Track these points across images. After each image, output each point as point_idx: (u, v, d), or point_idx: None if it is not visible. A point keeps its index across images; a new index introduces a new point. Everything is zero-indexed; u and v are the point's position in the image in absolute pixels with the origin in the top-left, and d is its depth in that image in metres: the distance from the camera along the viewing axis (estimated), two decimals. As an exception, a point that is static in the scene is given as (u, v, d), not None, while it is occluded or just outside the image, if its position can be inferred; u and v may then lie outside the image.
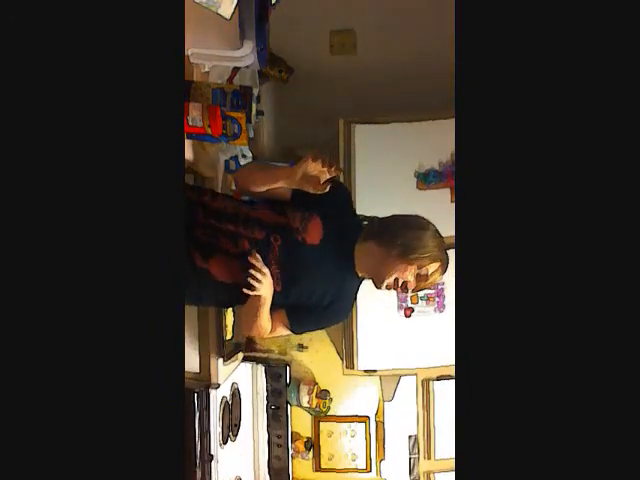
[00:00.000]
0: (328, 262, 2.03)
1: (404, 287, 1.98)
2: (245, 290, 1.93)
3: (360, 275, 2.07)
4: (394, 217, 2.07)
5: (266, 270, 1.93)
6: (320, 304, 2.05)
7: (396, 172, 3.32)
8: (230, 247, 1.98)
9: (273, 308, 2.04)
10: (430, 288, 3.24)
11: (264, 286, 1.93)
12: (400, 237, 1.96)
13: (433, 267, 1.97)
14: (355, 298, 2.15)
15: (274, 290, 2.00)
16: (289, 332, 2.13)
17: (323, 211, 2.03)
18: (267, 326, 2.06)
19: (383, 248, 1.97)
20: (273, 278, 1.98)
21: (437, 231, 2.01)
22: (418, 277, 1.98)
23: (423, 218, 2.04)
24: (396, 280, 1.97)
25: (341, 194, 2.13)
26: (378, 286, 2.01)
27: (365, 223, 2.11)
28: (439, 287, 3.30)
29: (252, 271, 1.91)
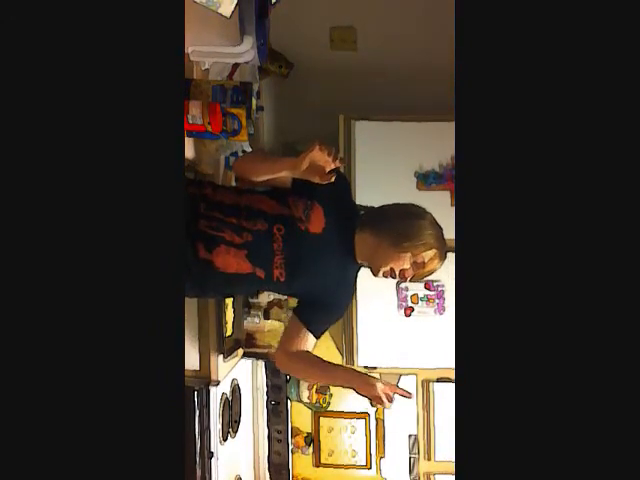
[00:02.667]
0: (330, 251, 2.03)
1: (402, 275, 1.99)
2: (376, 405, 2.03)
3: (359, 263, 2.08)
4: (390, 206, 2.09)
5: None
6: (325, 294, 2.07)
7: (396, 170, 3.33)
8: (234, 238, 1.98)
9: (291, 327, 2.12)
10: (430, 289, 3.31)
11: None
12: (395, 226, 1.98)
13: (429, 255, 1.98)
14: (355, 286, 2.17)
15: (278, 281, 2.01)
16: (311, 337, 2.12)
17: (324, 199, 2.04)
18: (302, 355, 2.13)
19: (378, 237, 1.99)
20: (278, 268, 2.00)
21: (434, 220, 2.03)
22: (415, 265, 1.99)
23: (420, 207, 2.06)
24: (392, 269, 1.98)
25: (341, 183, 2.13)
26: (375, 274, 2.03)
27: (362, 213, 2.12)
28: (439, 289, 3.31)
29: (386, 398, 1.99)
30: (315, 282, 2.04)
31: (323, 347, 3.64)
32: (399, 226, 1.98)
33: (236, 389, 3.24)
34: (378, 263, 1.99)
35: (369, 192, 3.17)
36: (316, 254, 2.01)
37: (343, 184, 2.16)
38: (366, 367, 3.44)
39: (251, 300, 3.33)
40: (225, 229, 1.98)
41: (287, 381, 3.65)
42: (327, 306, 2.11)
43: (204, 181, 2.30)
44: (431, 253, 1.98)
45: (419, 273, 2.02)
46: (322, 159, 1.90)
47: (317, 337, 2.13)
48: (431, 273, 2.04)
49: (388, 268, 1.98)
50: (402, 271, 1.98)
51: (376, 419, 3.71)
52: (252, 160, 2.25)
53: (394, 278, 2.00)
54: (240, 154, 2.53)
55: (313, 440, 3.78)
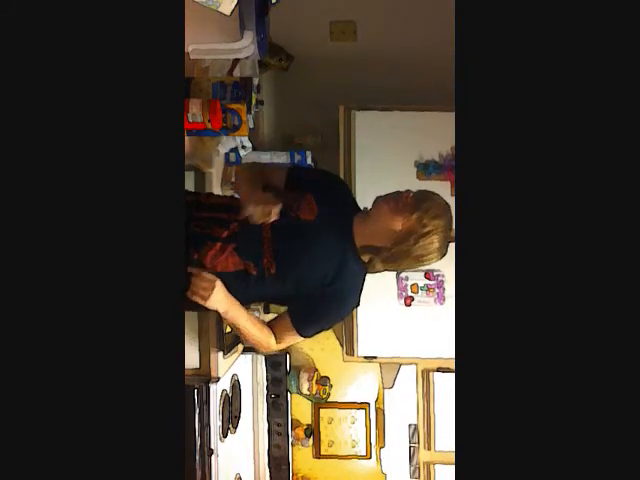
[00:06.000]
0: (325, 237, 1.93)
1: (405, 227, 1.86)
2: (191, 296, 1.82)
3: (360, 251, 1.94)
4: None
5: (212, 277, 1.84)
6: (321, 287, 1.91)
7: (396, 160, 3.32)
8: (221, 233, 1.91)
9: (277, 318, 2.01)
10: (430, 279, 3.31)
11: (217, 296, 1.84)
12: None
13: (432, 208, 1.87)
14: (361, 288, 2.01)
15: (269, 273, 1.90)
16: (298, 337, 1.99)
17: (318, 193, 1.98)
18: (267, 338, 1.99)
19: (378, 209, 1.91)
20: (267, 258, 1.90)
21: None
22: (419, 220, 1.85)
23: None
24: (394, 195, 1.90)
25: (339, 187, 2.11)
26: (378, 216, 1.90)
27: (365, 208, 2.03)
28: (439, 278, 3.32)
29: (196, 282, 1.82)
30: (309, 274, 1.92)
31: (323, 337, 3.67)
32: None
33: (236, 385, 3.23)
34: (378, 208, 1.91)
35: (369, 182, 3.21)
36: (308, 240, 1.92)
37: (342, 188, 2.12)
38: (366, 357, 3.45)
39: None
40: (213, 225, 1.93)
41: (287, 374, 3.66)
42: (326, 308, 1.97)
43: (199, 192, 2.28)
44: (434, 208, 1.87)
45: (422, 233, 1.86)
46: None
47: (303, 335, 2.01)
48: (434, 233, 1.87)
49: (390, 197, 1.89)
50: (400, 194, 1.89)
51: (376, 409, 3.73)
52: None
53: (395, 206, 1.87)
54: (240, 149, 2.54)
55: (313, 432, 3.78)
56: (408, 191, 1.91)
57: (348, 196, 2.12)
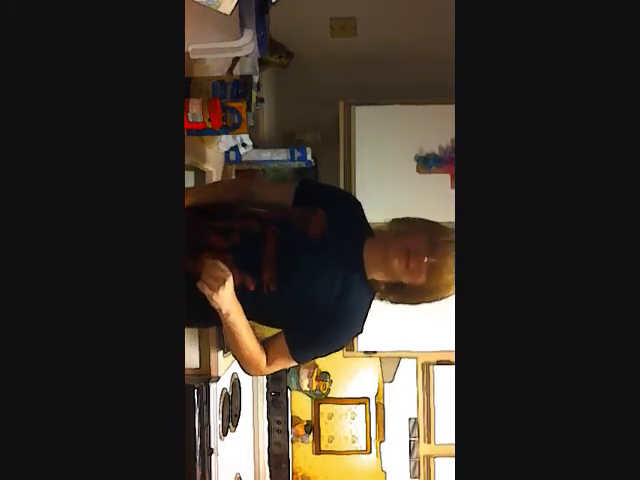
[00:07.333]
0: (333, 254, 1.84)
1: (415, 255, 1.75)
2: (201, 285, 1.69)
3: (368, 274, 1.86)
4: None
5: (226, 269, 1.71)
6: (324, 306, 1.81)
7: (396, 155, 3.32)
8: (219, 242, 1.83)
9: (270, 339, 1.89)
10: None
11: (226, 292, 1.71)
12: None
13: (446, 234, 1.77)
14: (366, 314, 1.92)
15: (268, 290, 1.80)
16: (290, 362, 1.88)
17: (329, 210, 1.90)
18: (259, 356, 1.87)
19: (392, 232, 1.84)
20: (268, 272, 1.80)
21: None
22: (431, 245, 1.75)
23: None
24: (407, 250, 1.75)
25: (349, 202, 2.05)
26: (390, 266, 1.79)
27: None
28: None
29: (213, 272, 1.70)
30: (312, 292, 1.81)
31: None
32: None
33: (236, 383, 3.20)
34: (390, 250, 1.78)
35: (369, 177, 3.22)
36: (314, 257, 1.82)
37: (352, 205, 2.03)
38: (366, 352, 3.45)
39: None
40: (211, 235, 1.85)
41: (287, 371, 3.65)
42: (324, 327, 1.84)
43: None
44: (450, 236, 1.73)
45: (434, 255, 1.75)
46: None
47: (298, 360, 1.89)
48: (444, 256, 1.74)
49: (403, 249, 1.75)
50: (415, 252, 1.75)
51: (376, 403, 3.73)
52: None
53: (407, 266, 1.76)
54: (240, 148, 2.53)
55: (313, 428, 3.79)
56: (416, 256, 1.76)
57: (359, 214, 2.02)
